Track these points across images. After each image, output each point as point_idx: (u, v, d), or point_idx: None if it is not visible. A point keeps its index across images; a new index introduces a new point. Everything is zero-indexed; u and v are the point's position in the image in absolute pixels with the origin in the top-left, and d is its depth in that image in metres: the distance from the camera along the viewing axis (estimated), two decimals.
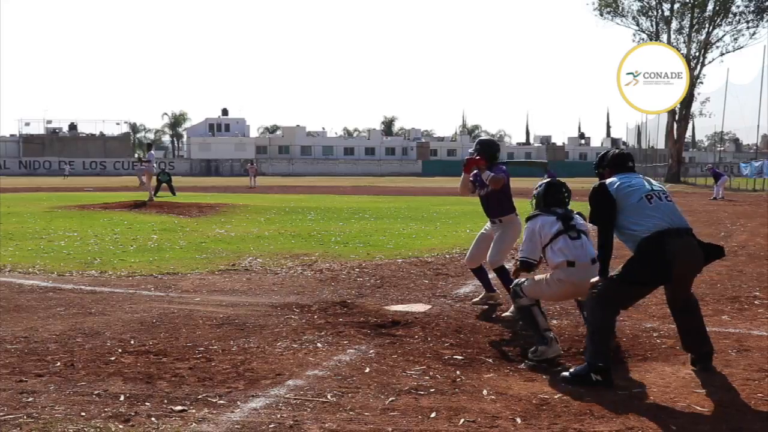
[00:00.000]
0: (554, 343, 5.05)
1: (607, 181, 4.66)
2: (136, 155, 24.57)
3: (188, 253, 10.57)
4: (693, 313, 4.76)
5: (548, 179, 5.46)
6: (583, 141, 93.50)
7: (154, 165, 24.46)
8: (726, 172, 35.85)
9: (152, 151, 25.09)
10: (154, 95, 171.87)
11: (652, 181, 4.76)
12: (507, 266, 6.69)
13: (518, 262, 5.26)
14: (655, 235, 4.36)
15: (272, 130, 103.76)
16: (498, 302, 6.83)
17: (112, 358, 4.91)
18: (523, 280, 5.21)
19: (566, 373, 4.56)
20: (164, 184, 27.41)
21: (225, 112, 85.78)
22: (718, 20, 47.12)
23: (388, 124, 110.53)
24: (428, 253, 10.63)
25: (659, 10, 48.64)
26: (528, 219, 5.32)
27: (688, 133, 60.99)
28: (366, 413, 3.90)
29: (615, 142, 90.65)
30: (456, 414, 3.89)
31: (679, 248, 4.38)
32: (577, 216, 5.23)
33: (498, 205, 6.77)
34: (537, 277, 5.20)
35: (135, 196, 25.80)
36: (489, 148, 6.89)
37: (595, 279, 4.63)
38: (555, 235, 5.06)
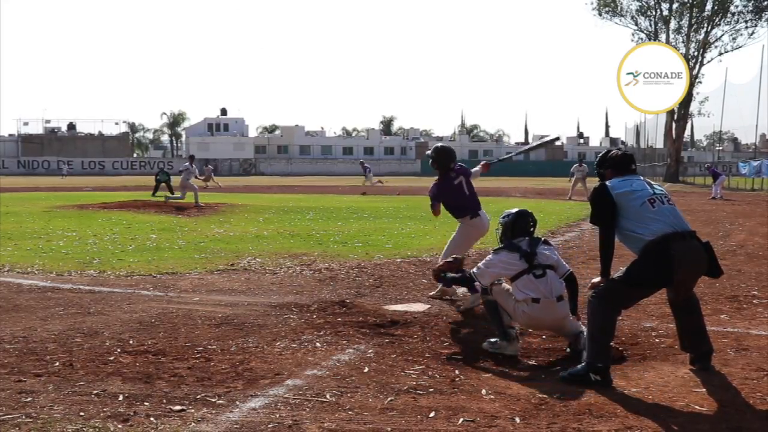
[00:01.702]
0: (515, 341, 5.13)
1: (609, 182, 4.66)
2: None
3: (187, 253, 10.56)
4: (693, 312, 4.76)
5: (516, 210, 5.46)
6: (581, 140, 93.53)
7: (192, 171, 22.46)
8: (725, 171, 35.81)
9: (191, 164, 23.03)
10: (152, 95, 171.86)
11: (654, 184, 4.74)
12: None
13: (470, 273, 5.30)
14: (661, 239, 4.36)
15: (271, 129, 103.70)
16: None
17: (111, 358, 4.91)
18: (499, 284, 5.26)
19: (564, 373, 4.57)
20: (163, 184, 27.42)
21: (224, 111, 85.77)
22: (717, 20, 47.12)
23: (387, 124, 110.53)
24: (427, 253, 10.63)
25: (658, 10, 48.66)
26: (494, 251, 5.35)
27: (687, 132, 60.99)
28: (365, 413, 3.90)
29: (614, 141, 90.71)
30: (455, 413, 3.90)
31: (685, 252, 4.37)
32: (542, 248, 5.22)
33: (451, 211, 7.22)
34: (507, 289, 5.24)
35: (134, 196, 25.81)
36: (441, 157, 7.21)
37: (597, 280, 4.64)
38: (519, 274, 5.09)
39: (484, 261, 5.32)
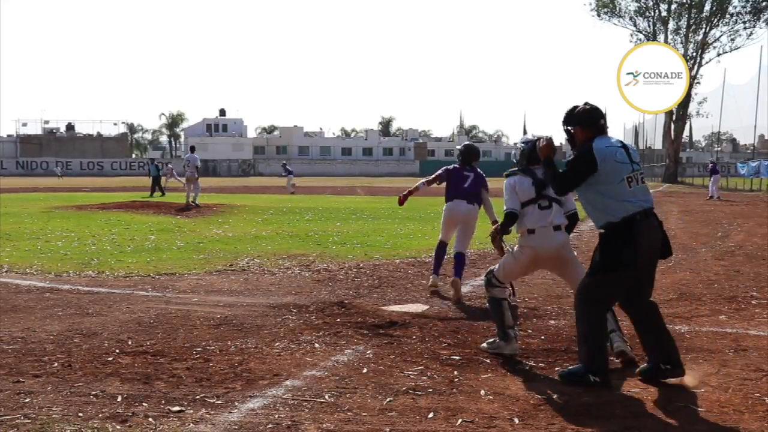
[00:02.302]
0: (513, 341, 5.12)
1: (595, 145, 4.39)
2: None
3: (186, 254, 10.56)
4: (659, 317, 4.58)
5: (535, 137, 5.29)
6: None
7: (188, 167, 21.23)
8: (723, 172, 35.78)
9: (194, 154, 21.62)
10: (151, 96, 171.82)
11: (631, 150, 4.52)
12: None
13: (504, 216, 5.17)
14: (627, 220, 4.29)
15: (270, 130, 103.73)
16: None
17: (110, 359, 4.90)
18: (494, 267, 5.28)
19: (563, 371, 4.57)
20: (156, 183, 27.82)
21: (222, 112, 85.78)
22: (715, 20, 47.19)
23: (386, 125, 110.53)
24: (426, 254, 10.62)
25: (656, 11, 48.73)
26: (507, 175, 5.31)
27: (686, 133, 61.12)
28: (364, 413, 3.90)
29: None
30: (454, 414, 3.89)
31: (644, 229, 4.31)
32: None
33: None
34: (504, 258, 5.26)
35: (133, 197, 25.81)
36: (465, 153, 7.85)
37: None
38: (527, 202, 5.10)
39: (504, 195, 5.21)
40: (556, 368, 4.83)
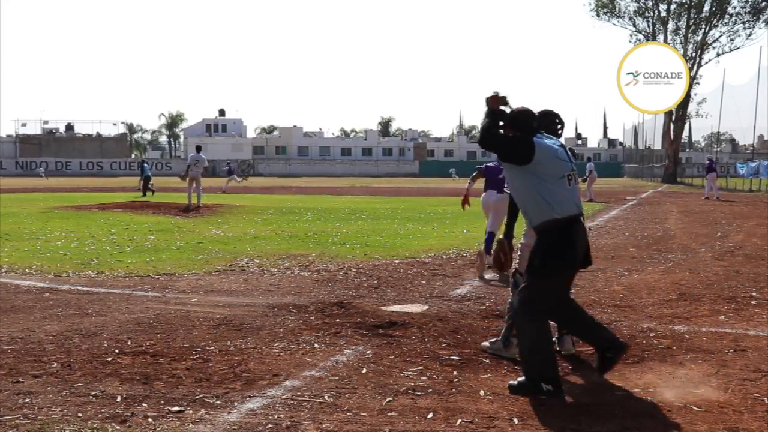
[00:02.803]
0: (513, 349, 5.07)
1: (535, 140, 4.34)
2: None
3: (185, 254, 10.56)
4: (582, 309, 4.59)
5: (542, 110, 5.11)
6: (579, 141, 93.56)
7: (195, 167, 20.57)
8: (722, 172, 35.64)
9: (200, 154, 20.90)
10: (151, 96, 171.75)
11: (568, 150, 4.54)
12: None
13: (508, 193, 5.01)
14: (567, 220, 4.25)
15: (269, 130, 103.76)
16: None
17: (109, 359, 4.90)
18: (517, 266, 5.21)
19: (513, 383, 4.33)
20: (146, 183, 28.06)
21: (222, 112, 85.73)
22: (715, 21, 47.19)
23: (385, 125, 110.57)
24: (425, 254, 10.63)
25: (656, 11, 48.73)
26: None
27: (685, 133, 61.16)
28: (363, 414, 3.90)
29: (612, 142, 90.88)
30: (453, 414, 3.89)
31: (580, 230, 4.34)
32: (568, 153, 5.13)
33: None
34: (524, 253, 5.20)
35: (132, 197, 25.82)
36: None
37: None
38: None
39: None
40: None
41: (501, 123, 4.43)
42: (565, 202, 4.27)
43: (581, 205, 4.45)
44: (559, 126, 5.04)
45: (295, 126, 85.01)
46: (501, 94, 4.52)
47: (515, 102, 4.59)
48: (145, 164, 30.88)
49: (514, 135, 4.38)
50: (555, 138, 4.61)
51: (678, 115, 48.48)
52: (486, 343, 5.30)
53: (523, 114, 4.45)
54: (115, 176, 61.30)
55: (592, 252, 4.69)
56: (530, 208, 4.40)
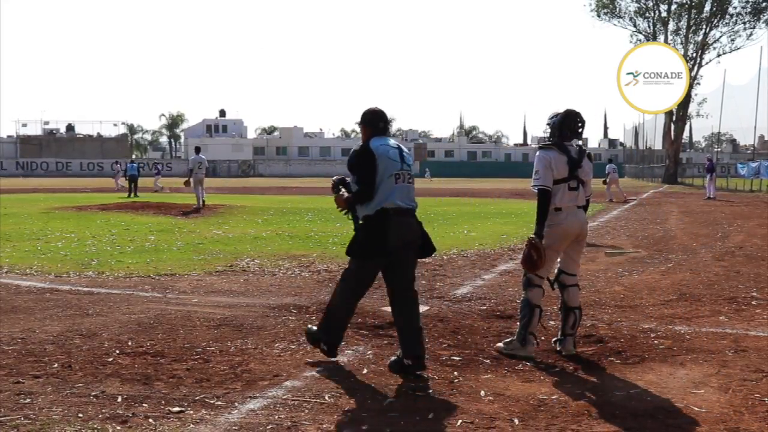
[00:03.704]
0: (530, 347, 5.13)
1: (371, 143, 4.80)
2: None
3: (185, 254, 10.56)
4: (411, 309, 4.80)
5: (564, 110, 5.31)
6: (580, 141, 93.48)
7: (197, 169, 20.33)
8: (721, 172, 35.59)
9: (200, 155, 20.89)
10: (151, 96, 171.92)
11: (404, 152, 4.90)
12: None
13: (539, 193, 5.10)
14: (381, 212, 4.66)
15: (270, 131, 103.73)
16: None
17: (110, 360, 4.90)
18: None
19: (309, 327, 5.15)
20: (132, 183, 28.15)
21: (222, 113, 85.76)
22: (715, 21, 47.21)
23: None
24: None
25: (656, 11, 48.74)
26: (541, 148, 5.26)
27: (686, 134, 61.12)
28: (364, 414, 3.90)
29: (612, 143, 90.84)
30: (453, 415, 3.90)
31: (399, 224, 4.68)
32: (586, 161, 5.20)
33: None
34: None
35: (133, 197, 25.81)
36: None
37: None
38: (558, 181, 5.08)
39: (536, 169, 5.14)
40: (557, 368, 4.83)
41: (343, 189, 4.97)
42: (389, 196, 4.69)
43: (408, 201, 4.78)
44: (580, 125, 5.25)
45: (295, 126, 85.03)
46: (338, 190, 5.01)
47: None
48: (133, 164, 30.86)
49: (358, 160, 4.78)
50: (391, 140, 4.93)
51: (678, 116, 48.49)
52: (500, 344, 5.29)
53: (372, 114, 4.98)
54: (116, 177, 61.16)
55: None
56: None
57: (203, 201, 20.19)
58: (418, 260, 5.00)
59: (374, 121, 4.93)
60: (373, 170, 4.67)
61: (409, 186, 4.81)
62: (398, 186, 4.73)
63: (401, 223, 4.70)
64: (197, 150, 21.64)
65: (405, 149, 4.97)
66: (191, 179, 20.13)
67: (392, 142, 4.92)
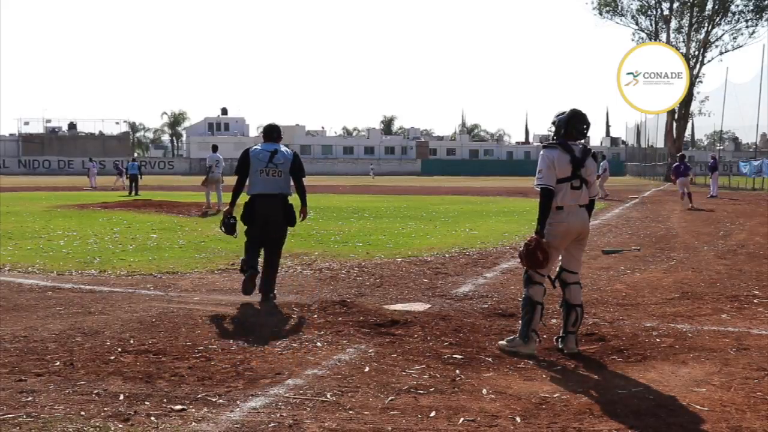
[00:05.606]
0: (533, 344, 5.15)
1: (251, 148, 7.08)
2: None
3: (187, 253, 10.57)
4: (274, 261, 7.16)
5: (570, 109, 5.34)
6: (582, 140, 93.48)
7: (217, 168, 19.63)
8: (723, 170, 35.57)
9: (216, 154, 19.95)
10: (153, 94, 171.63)
11: (282, 150, 7.04)
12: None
13: (541, 192, 5.10)
14: (253, 197, 6.96)
15: None
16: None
17: (112, 358, 4.91)
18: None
19: (240, 260, 7.09)
20: (133, 182, 28.20)
21: (224, 111, 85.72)
22: (718, 19, 47.16)
23: (388, 124, 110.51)
24: (427, 253, 10.63)
25: (658, 9, 48.70)
26: (545, 147, 5.26)
27: (688, 132, 61.04)
28: (365, 412, 3.90)
29: (614, 141, 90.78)
30: (455, 413, 3.90)
31: (261, 204, 6.93)
32: (590, 160, 5.20)
33: None
34: None
35: (134, 196, 25.82)
36: None
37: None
38: (561, 180, 5.09)
39: (539, 167, 5.15)
40: (558, 367, 4.84)
41: (232, 219, 7.32)
42: (257, 185, 6.95)
43: (271, 188, 6.93)
44: (585, 127, 5.29)
45: (297, 124, 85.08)
46: (229, 231, 7.36)
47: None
48: (134, 163, 30.80)
49: (239, 160, 7.08)
50: (274, 146, 7.12)
51: (681, 114, 48.44)
52: (503, 342, 5.30)
53: (271, 128, 7.23)
54: (118, 175, 61.19)
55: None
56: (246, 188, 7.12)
57: (218, 202, 19.43)
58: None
59: (268, 133, 7.18)
60: (245, 166, 6.98)
61: (275, 179, 6.91)
62: (262, 178, 6.91)
63: (264, 203, 6.91)
64: (214, 148, 20.61)
65: (284, 152, 7.01)
66: (208, 177, 19.54)
67: (272, 147, 7.01)
